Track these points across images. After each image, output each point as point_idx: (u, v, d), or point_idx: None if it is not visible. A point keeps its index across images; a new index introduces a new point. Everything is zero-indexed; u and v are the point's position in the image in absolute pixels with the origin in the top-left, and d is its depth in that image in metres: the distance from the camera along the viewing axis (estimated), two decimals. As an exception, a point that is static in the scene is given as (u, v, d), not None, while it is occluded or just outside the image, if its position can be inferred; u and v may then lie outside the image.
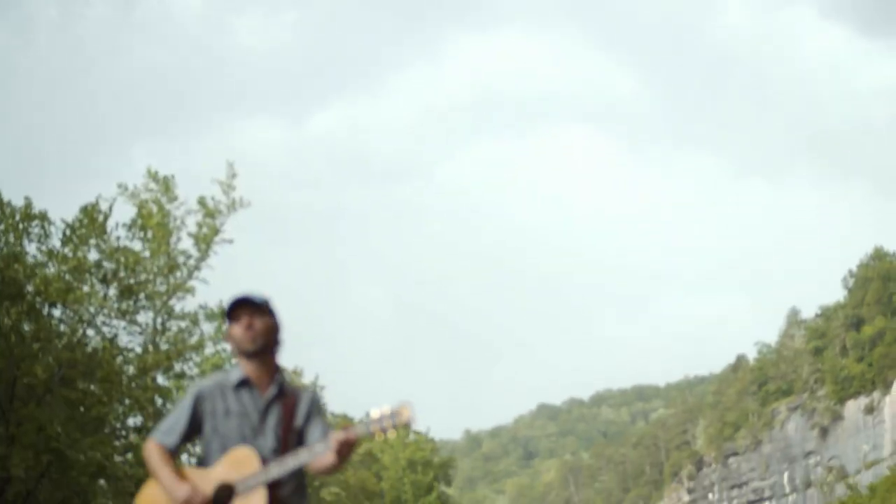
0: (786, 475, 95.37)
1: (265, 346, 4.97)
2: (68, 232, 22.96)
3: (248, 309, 4.96)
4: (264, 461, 4.75)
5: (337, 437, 4.58)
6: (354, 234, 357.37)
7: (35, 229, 22.52)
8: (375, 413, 4.48)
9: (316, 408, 5.05)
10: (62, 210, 23.19)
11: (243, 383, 4.97)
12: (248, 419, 4.91)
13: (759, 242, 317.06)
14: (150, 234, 26.25)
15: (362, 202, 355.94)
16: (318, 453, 4.65)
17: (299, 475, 4.88)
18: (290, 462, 4.69)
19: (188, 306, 28.16)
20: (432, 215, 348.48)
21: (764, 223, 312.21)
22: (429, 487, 46.18)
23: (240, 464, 4.77)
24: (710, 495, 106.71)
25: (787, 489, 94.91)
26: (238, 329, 4.95)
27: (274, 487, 4.74)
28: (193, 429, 4.99)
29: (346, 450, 4.62)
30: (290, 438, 4.91)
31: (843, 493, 70.91)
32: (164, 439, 4.96)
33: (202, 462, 4.96)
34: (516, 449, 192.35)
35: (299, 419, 4.96)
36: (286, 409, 4.94)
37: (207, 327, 30.93)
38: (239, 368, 5.03)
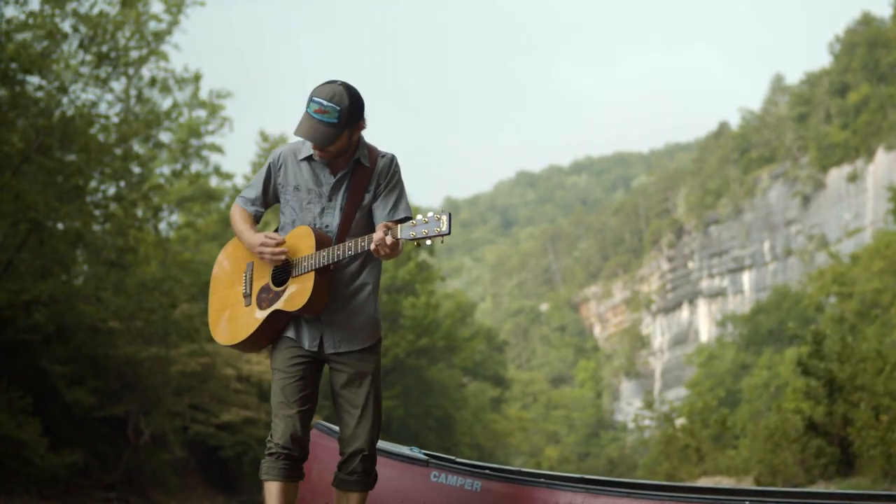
0: (766, 243, 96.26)
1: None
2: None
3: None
4: (325, 241, 4.79)
5: (377, 238, 4.52)
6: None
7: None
8: (415, 221, 4.48)
9: (387, 181, 4.92)
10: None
11: (312, 157, 4.90)
12: (318, 195, 4.89)
13: (745, 5, 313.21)
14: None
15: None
16: (362, 248, 4.63)
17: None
18: (339, 251, 4.68)
19: (162, 73, 27.92)
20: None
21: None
22: (407, 255, 46.39)
23: (301, 241, 4.81)
24: (690, 263, 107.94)
25: (768, 258, 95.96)
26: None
27: (325, 271, 4.76)
28: (271, 197, 5.06)
29: (385, 251, 4.56)
30: (358, 217, 4.87)
31: (823, 262, 71.41)
32: (247, 206, 5.07)
33: (278, 231, 5.04)
34: (495, 216, 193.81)
35: (368, 197, 4.89)
36: (356, 186, 4.86)
37: (182, 94, 30.52)
38: None
